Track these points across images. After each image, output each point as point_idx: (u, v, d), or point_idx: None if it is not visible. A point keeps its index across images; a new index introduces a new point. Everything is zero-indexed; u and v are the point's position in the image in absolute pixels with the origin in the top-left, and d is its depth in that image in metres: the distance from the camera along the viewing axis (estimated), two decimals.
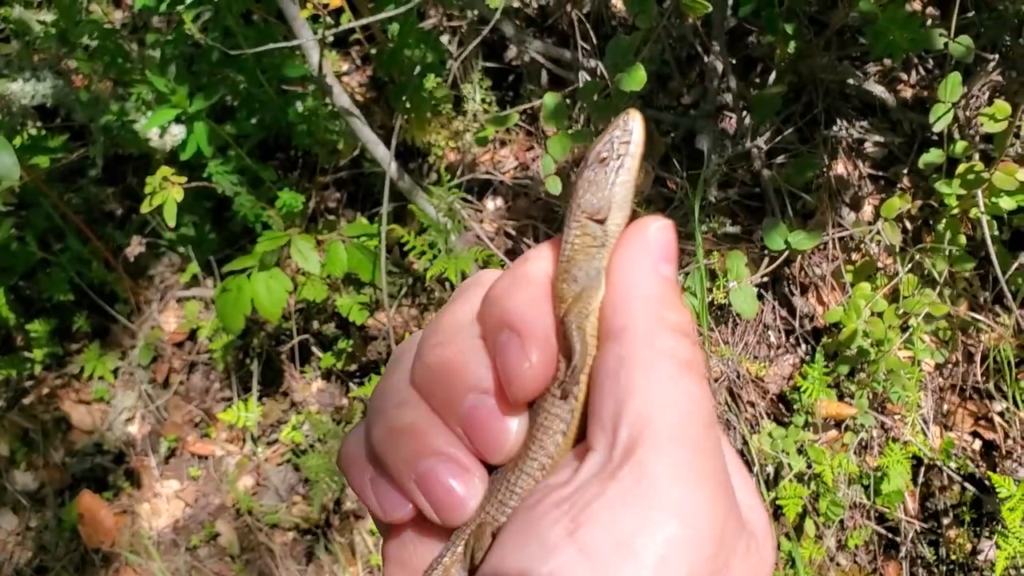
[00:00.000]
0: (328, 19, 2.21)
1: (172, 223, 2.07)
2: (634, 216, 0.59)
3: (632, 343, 0.53)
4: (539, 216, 2.90)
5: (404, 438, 0.57)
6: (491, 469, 0.58)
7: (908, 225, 2.63)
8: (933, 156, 2.35)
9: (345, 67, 3.17)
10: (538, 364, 0.55)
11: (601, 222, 0.58)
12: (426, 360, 0.58)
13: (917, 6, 2.78)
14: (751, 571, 0.50)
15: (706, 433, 0.50)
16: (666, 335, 0.53)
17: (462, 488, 0.56)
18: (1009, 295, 2.39)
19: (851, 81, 2.70)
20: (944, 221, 2.43)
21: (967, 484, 2.51)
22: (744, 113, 2.68)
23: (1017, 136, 2.44)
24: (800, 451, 2.51)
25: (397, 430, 0.58)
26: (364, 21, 2.23)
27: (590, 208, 0.58)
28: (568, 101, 2.44)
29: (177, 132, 2.71)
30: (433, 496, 0.57)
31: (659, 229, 0.57)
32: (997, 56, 2.53)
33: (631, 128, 0.59)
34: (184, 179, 2.12)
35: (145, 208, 2.08)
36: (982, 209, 2.30)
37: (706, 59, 2.74)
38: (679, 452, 0.49)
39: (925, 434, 2.57)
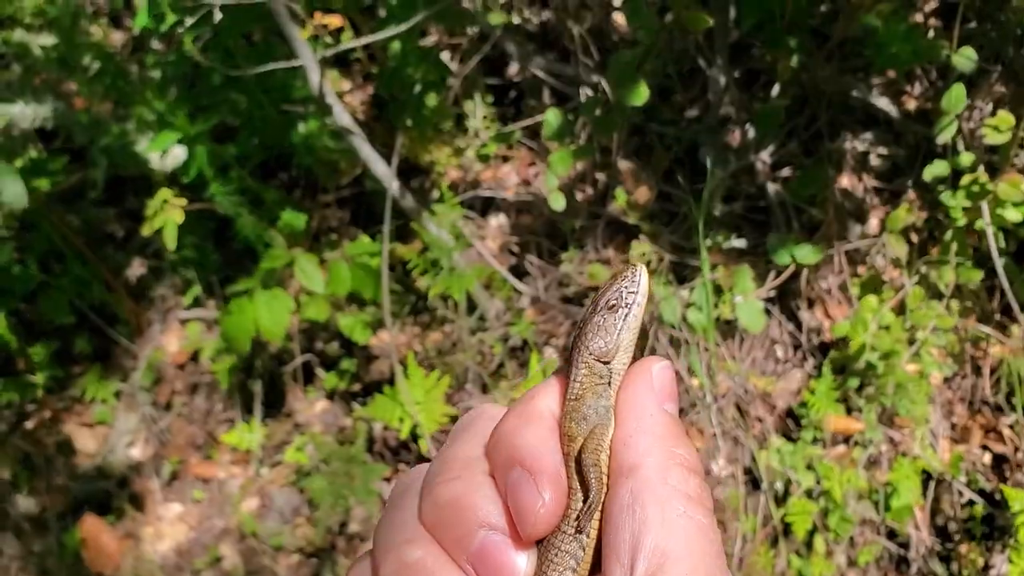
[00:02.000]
0: (328, 39, 2.21)
1: (172, 246, 2.07)
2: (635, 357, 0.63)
3: (645, 480, 0.56)
4: (542, 232, 2.89)
5: (414, 574, 0.58)
6: None
7: (914, 237, 2.62)
8: (938, 168, 2.34)
9: (347, 86, 3.16)
10: (551, 502, 0.57)
11: (607, 363, 0.63)
12: (436, 496, 0.59)
13: (920, 18, 2.77)
14: None
15: (717, 564, 0.53)
16: (677, 472, 0.56)
17: None
18: (1016, 307, 2.37)
19: (855, 93, 2.70)
20: (950, 233, 2.42)
21: (978, 498, 2.49)
22: (748, 126, 2.67)
23: (1022, 147, 2.43)
24: (809, 467, 2.49)
25: (407, 566, 0.58)
26: (365, 40, 2.23)
27: (599, 350, 0.63)
28: (570, 117, 2.43)
29: (178, 153, 2.71)
30: None
31: (661, 370, 0.61)
32: (1000, 67, 2.52)
33: (638, 280, 0.65)
34: (184, 201, 2.11)
35: (146, 231, 2.07)
36: (987, 221, 2.29)
37: (709, 73, 2.73)
38: None
39: (934, 448, 2.55)
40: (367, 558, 0.62)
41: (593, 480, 0.57)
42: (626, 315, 0.63)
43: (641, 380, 0.61)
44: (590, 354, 0.62)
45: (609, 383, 0.62)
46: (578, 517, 0.58)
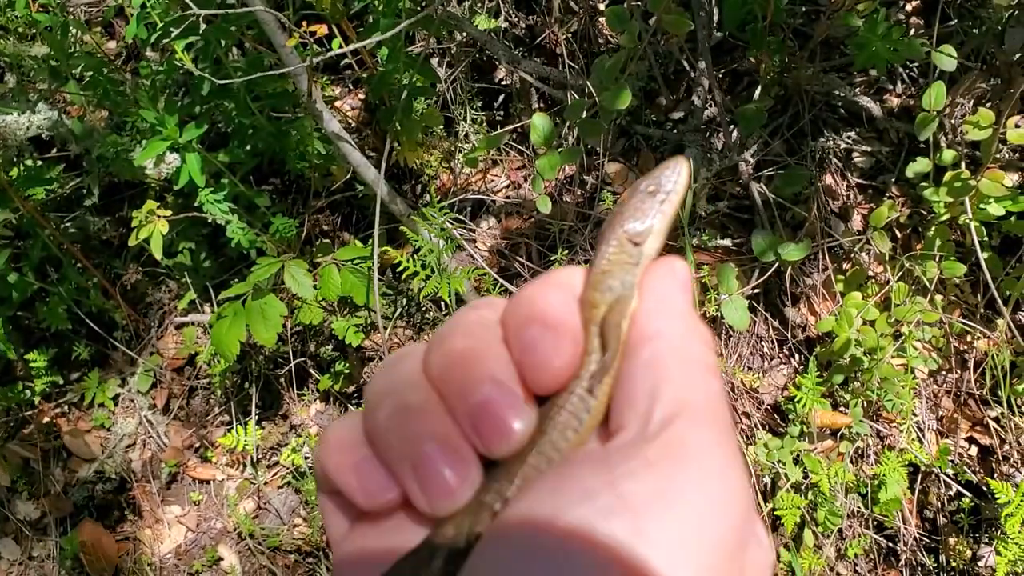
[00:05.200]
0: (316, 47, 2.24)
1: (159, 255, 2.09)
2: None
3: (668, 344, 0.55)
4: (531, 235, 2.92)
5: (411, 417, 0.56)
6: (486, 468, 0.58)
7: (897, 233, 2.65)
8: (920, 165, 2.37)
9: (337, 91, 3.19)
10: (569, 355, 0.56)
11: (638, 245, 0.62)
12: (446, 348, 0.57)
13: (901, 16, 2.80)
14: (764, 560, 0.51)
15: (731, 431, 0.52)
16: (699, 344, 0.55)
17: (458, 479, 0.55)
18: (999, 300, 2.40)
19: (837, 92, 2.73)
20: (933, 228, 2.45)
21: (965, 490, 2.52)
22: (732, 127, 2.70)
23: (1003, 142, 2.46)
24: (796, 461, 2.52)
25: (408, 407, 0.56)
26: (352, 47, 2.26)
27: (633, 231, 0.62)
28: (557, 120, 2.46)
29: (172, 160, 2.74)
30: (428, 482, 0.55)
31: (684, 266, 0.60)
32: (981, 64, 2.55)
33: (679, 171, 0.64)
34: (169, 212, 2.14)
35: (132, 241, 2.09)
36: (970, 216, 2.32)
37: (692, 75, 2.76)
38: (715, 433, 0.50)
39: (921, 441, 2.58)
40: (352, 415, 0.59)
41: (612, 339, 0.57)
42: (663, 201, 0.63)
43: (666, 269, 0.60)
44: (624, 232, 0.62)
45: (637, 264, 0.61)
46: (592, 376, 0.57)
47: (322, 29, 2.66)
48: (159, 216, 2.06)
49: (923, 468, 2.56)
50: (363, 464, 0.57)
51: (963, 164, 2.43)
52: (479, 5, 2.91)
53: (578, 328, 0.57)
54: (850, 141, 2.76)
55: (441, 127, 2.90)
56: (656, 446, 0.49)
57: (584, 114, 2.23)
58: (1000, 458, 2.53)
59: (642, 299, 0.59)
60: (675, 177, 0.64)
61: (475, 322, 0.59)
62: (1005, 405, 2.52)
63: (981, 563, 2.47)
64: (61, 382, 3.14)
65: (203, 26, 1.81)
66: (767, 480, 2.55)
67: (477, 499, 0.55)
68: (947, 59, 2.20)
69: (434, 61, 2.96)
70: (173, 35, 1.88)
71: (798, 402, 2.48)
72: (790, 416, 2.55)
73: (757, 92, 2.64)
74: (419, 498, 0.55)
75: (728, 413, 0.53)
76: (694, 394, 0.51)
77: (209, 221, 2.77)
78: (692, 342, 0.55)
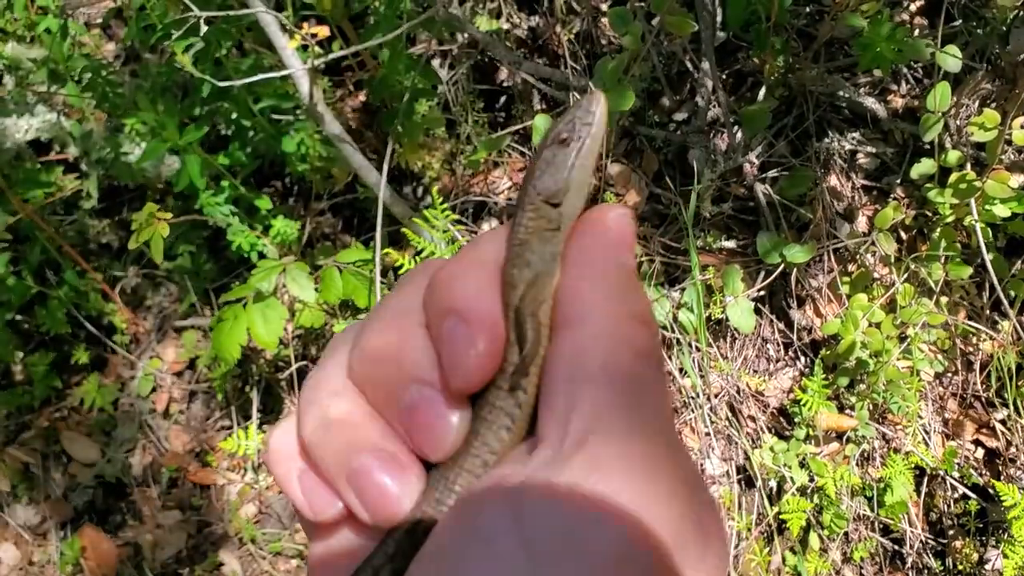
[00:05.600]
0: (317, 48, 2.23)
1: (159, 258, 2.08)
2: (590, 204, 0.56)
3: (589, 331, 0.50)
4: None
5: (337, 430, 0.54)
6: (428, 468, 0.55)
7: (903, 235, 2.64)
8: (925, 166, 2.35)
9: (338, 93, 3.18)
10: (485, 352, 0.51)
11: (557, 205, 0.55)
12: (364, 347, 0.54)
13: (905, 17, 2.79)
14: (717, 552, 0.47)
15: (663, 426, 0.48)
16: (624, 323, 0.50)
17: (397, 486, 0.53)
18: (1006, 302, 2.39)
19: (841, 93, 2.71)
20: (939, 230, 2.43)
21: (971, 493, 2.50)
22: (735, 128, 2.69)
23: (1008, 143, 2.44)
24: (802, 464, 2.50)
25: (330, 421, 0.54)
26: (353, 49, 2.24)
27: (546, 191, 0.55)
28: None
29: (172, 162, 2.72)
30: (366, 494, 0.53)
31: (618, 217, 0.54)
32: (986, 65, 2.54)
33: (594, 110, 0.56)
34: (169, 215, 2.12)
35: (132, 244, 2.08)
36: (976, 217, 2.30)
37: (696, 75, 2.75)
38: (634, 445, 0.46)
39: (927, 444, 2.56)
40: (291, 418, 0.57)
41: (530, 331, 0.51)
42: (579, 149, 0.55)
43: (594, 227, 0.54)
44: (538, 194, 0.55)
45: (558, 228, 0.54)
46: (513, 373, 0.52)
47: (323, 31, 2.65)
48: (159, 219, 2.04)
49: (929, 471, 2.54)
50: (304, 477, 0.55)
51: (968, 165, 2.42)
52: (481, 6, 2.90)
53: (495, 318, 0.53)
54: (854, 142, 2.75)
55: (443, 129, 2.88)
56: (569, 474, 0.45)
57: None
58: (1007, 461, 2.52)
59: (565, 271, 0.54)
60: (589, 118, 0.56)
61: (394, 311, 0.56)
62: (1011, 407, 2.51)
63: (988, 566, 2.45)
64: (60, 386, 3.12)
65: (204, 28, 1.79)
66: (773, 484, 2.53)
67: (419, 507, 0.53)
68: (951, 60, 2.19)
69: (435, 63, 2.94)
70: (174, 37, 1.86)
71: (804, 405, 2.47)
72: (796, 419, 2.54)
73: (761, 93, 2.63)
74: (360, 512, 0.53)
75: (662, 405, 0.49)
76: (615, 396, 0.47)
77: (210, 224, 2.75)
78: (618, 324, 0.50)
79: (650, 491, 0.45)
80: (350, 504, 0.54)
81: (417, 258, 2.56)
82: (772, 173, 2.71)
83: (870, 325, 2.40)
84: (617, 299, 0.51)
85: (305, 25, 2.65)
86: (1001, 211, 2.29)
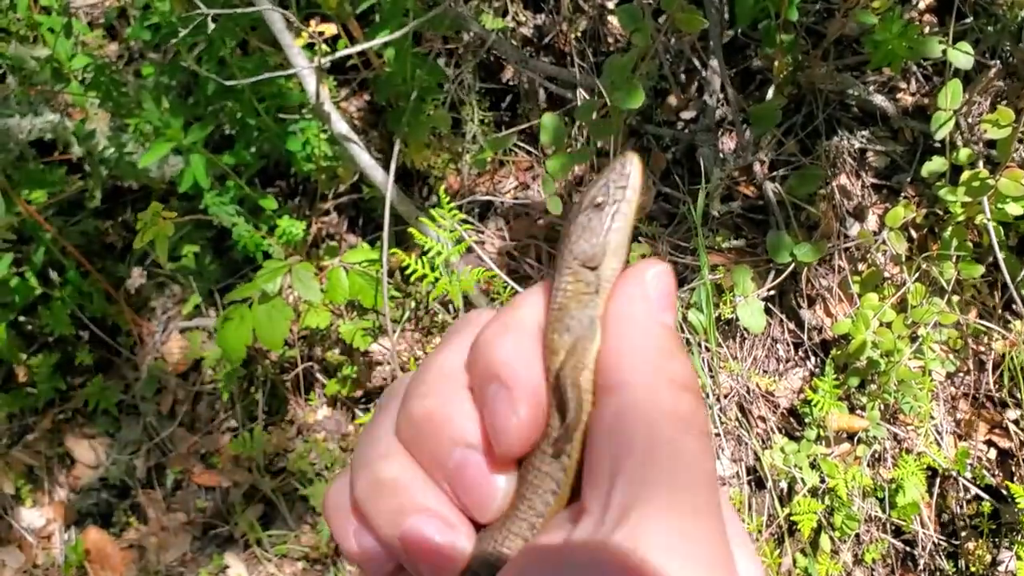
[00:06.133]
0: (324, 47, 2.20)
1: (164, 258, 2.06)
2: (628, 262, 0.56)
3: (631, 399, 0.50)
4: (540, 236, 2.88)
5: (388, 492, 0.55)
6: (478, 527, 0.56)
7: (913, 234, 2.62)
8: (936, 164, 2.33)
9: (343, 92, 3.16)
10: (526, 419, 0.52)
11: (595, 269, 0.55)
12: (410, 411, 0.56)
13: (914, 15, 2.77)
14: None
15: (706, 498, 0.47)
16: (666, 390, 0.50)
17: (448, 546, 0.54)
18: (1019, 301, 2.37)
19: (851, 91, 2.69)
20: (950, 229, 2.41)
21: (984, 494, 2.48)
22: (744, 126, 2.67)
23: (1022, 141, 2.42)
24: (813, 465, 2.48)
25: (381, 484, 0.56)
26: (359, 47, 2.22)
27: (583, 255, 0.55)
28: (567, 120, 2.43)
29: (176, 163, 2.71)
30: (419, 555, 0.54)
31: (657, 275, 0.54)
32: (998, 62, 2.51)
33: (628, 172, 0.56)
34: (174, 214, 2.10)
35: (137, 244, 2.06)
36: (988, 216, 2.28)
37: (704, 74, 2.73)
38: (677, 520, 0.46)
39: (939, 444, 2.54)
40: (346, 474, 0.59)
41: (571, 400, 0.52)
42: (614, 213, 0.55)
43: (633, 288, 0.54)
44: (574, 259, 0.55)
45: (597, 291, 0.55)
46: (556, 440, 0.53)
47: (330, 29, 2.63)
48: (164, 218, 2.02)
49: (941, 472, 2.52)
50: (359, 535, 0.57)
51: (980, 163, 2.40)
52: (486, 5, 2.88)
53: (536, 385, 0.54)
54: (864, 140, 2.73)
55: (449, 128, 2.86)
56: (611, 551, 0.46)
57: (594, 115, 2.20)
58: (1020, 461, 2.49)
59: (605, 335, 0.54)
60: (623, 181, 0.56)
61: (439, 372, 0.57)
62: None
63: (1001, 568, 2.43)
64: (65, 388, 3.10)
65: (211, 26, 1.77)
66: (783, 485, 2.51)
67: (469, 568, 0.54)
68: (963, 56, 2.17)
69: (440, 61, 2.92)
70: (181, 35, 1.84)
71: (814, 405, 2.45)
72: (806, 420, 2.52)
73: (770, 91, 2.61)
74: (414, 571, 0.55)
75: (705, 474, 0.48)
76: (657, 470, 0.47)
77: (214, 224, 2.73)
78: (660, 391, 0.50)
79: (688, 568, 0.45)
80: (405, 564, 0.55)
81: (423, 258, 2.55)
82: (781, 172, 2.69)
83: (881, 325, 2.38)
84: (657, 364, 0.51)
85: (312, 23, 2.63)
86: (1014, 209, 2.27)
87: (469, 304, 2.72)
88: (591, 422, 0.52)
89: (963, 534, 2.50)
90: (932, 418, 2.53)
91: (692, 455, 0.48)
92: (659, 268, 0.54)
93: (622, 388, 0.51)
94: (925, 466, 2.44)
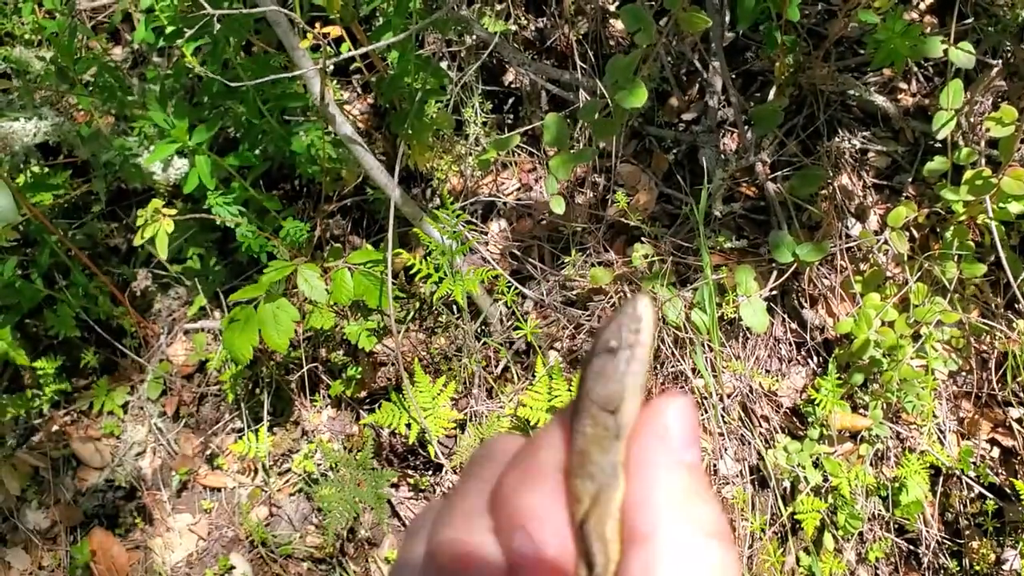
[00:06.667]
0: (329, 48, 2.22)
1: (163, 255, 2.07)
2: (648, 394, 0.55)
3: (659, 551, 0.49)
4: (543, 236, 2.89)
5: None
6: None
7: (915, 233, 2.62)
8: (937, 164, 2.34)
9: (346, 95, 3.17)
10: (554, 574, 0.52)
11: (613, 412, 0.54)
12: (438, 559, 0.55)
13: (915, 15, 2.78)
14: None
15: None
16: (696, 540, 0.49)
17: None
18: (1022, 299, 2.38)
19: (852, 92, 2.70)
20: (952, 228, 2.42)
21: (987, 493, 2.48)
22: (746, 127, 2.68)
23: (1023, 141, 2.43)
24: (816, 464, 2.49)
25: None
26: (363, 50, 2.23)
27: (600, 400, 0.54)
28: (569, 121, 2.44)
29: (180, 165, 2.72)
30: None
31: (677, 414, 0.53)
32: (999, 62, 2.52)
33: (640, 314, 0.55)
34: (175, 211, 2.11)
35: (137, 241, 2.07)
36: (991, 215, 2.29)
37: (705, 75, 2.74)
38: None
39: (942, 443, 2.55)
40: None
41: (597, 554, 0.51)
42: (629, 359, 0.54)
43: (652, 431, 0.53)
44: (592, 403, 0.54)
45: (617, 436, 0.54)
46: None
47: (335, 31, 2.64)
48: (164, 215, 2.03)
49: (945, 470, 2.53)
50: None
51: (981, 162, 2.40)
52: (489, 8, 2.89)
53: (561, 535, 0.52)
54: (865, 140, 2.74)
55: (451, 130, 2.87)
56: None
57: (597, 115, 2.21)
58: (1023, 460, 2.50)
59: (629, 483, 0.53)
60: (636, 324, 0.55)
61: (463, 513, 0.56)
62: None
63: (1006, 567, 2.44)
64: (70, 390, 3.11)
65: (217, 26, 1.79)
66: (787, 484, 2.52)
67: None
68: (964, 56, 2.17)
69: (443, 64, 2.94)
70: (187, 35, 1.85)
71: (817, 404, 2.45)
72: (809, 419, 2.52)
73: (771, 92, 2.62)
74: None
75: None
76: None
77: (219, 224, 2.75)
78: (687, 541, 0.49)
79: None
80: None
81: (428, 259, 2.56)
82: (783, 172, 2.70)
83: (883, 324, 2.38)
84: (684, 512, 0.50)
85: (317, 25, 2.65)
86: (1016, 208, 2.28)
87: (472, 304, 2.73)
88: (619, 573, 0.51)
89: (967, 533, 2.51)
90: (935, 417, 2.54)
91: None
92: (678, 404, 0.53)
93: (648, 541, 0.50)
94: (928, 465, 2.45)
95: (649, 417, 0.54)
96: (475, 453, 0.61)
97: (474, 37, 2.81)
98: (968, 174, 2.25)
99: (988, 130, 2.17)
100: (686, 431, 0.52)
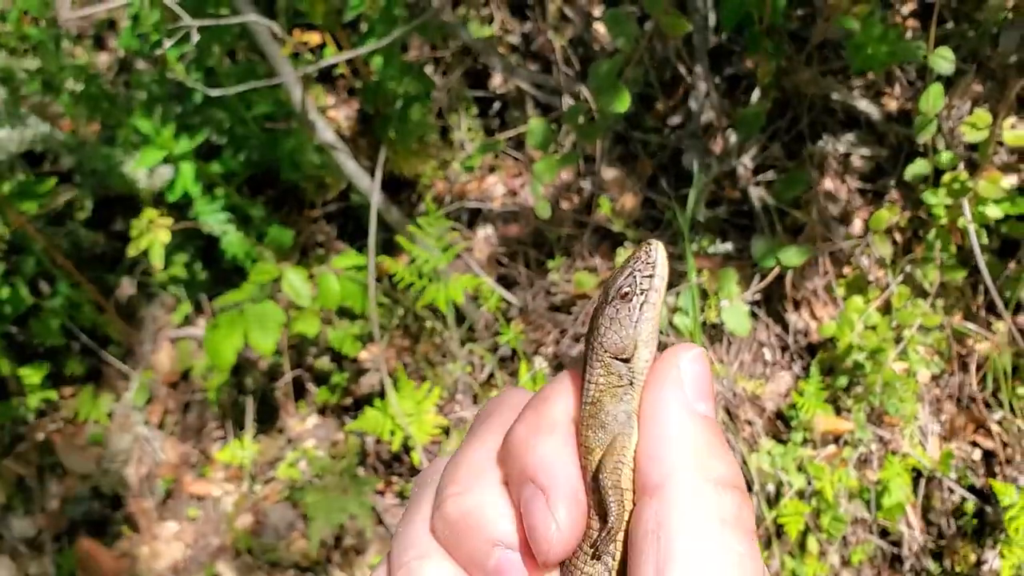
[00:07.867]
0: (310, 55, 2.22)
1: (160, 266, 2.07)
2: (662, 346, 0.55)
3: (673, 501, 0.49)
4: (529, 241, 2.90)
5: None
6: None
7: (898, 237, 2.64)
8: (919, 167, 2.35)
9: (331, 101, 3.18)
10: (566, 525, 0.51)
11: (627, 361, 0.54)
12: (446, 511, 0.55)
13: (897, 19, 2.80)
14: None
15: None
16: (710, 491, 0.49)
17: None
18: (1000, 303, 2.39)
19: (835, 96, 2.72)
20: (933, 231, 2.43)
21: (968, 494, 2.50)
22: (730, 131, 2.69)
23: (1000, 144, 2.45)
24: (800, 468, 2.50)
25: None
26: (346, 55, 2.24)
27: (614, 347, 0.54)
28: (554, 126, 2.45)
29: (165, 173, 2.72)
30: None
31: (691, 361, 0.53)
32: (976, 67, 2.54)
33: (654, 260, 0.55)
34: (170, 221, 2.12)
35: (132, 251, 2.07)
36: (969, 218, 2.30)
37: (689, 79, 2.75)
38: None
39: (924, 446, 2.56)
40: (382, 568, 0.58)
41: (612, 503, 0.50)
42: (642, 303, 0.54)
43: (667, 378, 0.52)
44: (605, 351, 0.54)
45: (631, 383, 0.53)
46: (599, 540, 0.51)
47: (315, 38, 2.64)
48: (159, 225, 2.04)
49: (926, 473, 2.54)
50: None
51: (962, 166, 2.42)
52: (474, 11, 2.90)
53: (573, 485, 0.52)
54: (849, 144, 2.75)
55: (436, 136, 2.88)
56: None
57: (581, 119, 2.22)
58: (1003, 461, 2.51)
59: (642, 432, 0.52)
60: (649, 270, 0.55)
61: (472, 467, 0.56)
62: (1007, 408, 2.51)
63: (986, 567, 2.45)
64: (55, 398, 3.10)
65: (196, 37, 1.79)
66: (771, 488, 2.52)
67: None
68: (944, 61, 2.19)
69: (428, 69, 2.94)
70: (167, 45, 1.86)
71: (801, 408, 2.46)
72: (792, 423, 2.53)
73: (755, 96, 2.63)
74: None
75: (751, 565, 0.48)
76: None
77: (203, 233, 2.75)
78: (702, 492, 0.49)
79: None
80: None
81: (412, 265, 2.56)
82: (766, 176, 2.72)
83: (866, 327, 2.39)
84: (697, 462, 0.50)
85: (297, 32, 2.65)
86: (993, 212, 2.29)
87: (458, 311, 2.74)
88: (633, 523, 0.51)
89: (949, 534, 2.52)
90: (917, 420, 2.55)
91: (739, 557, 0.48)
92: (692, 354, 0.53)
93: (663, 489, 0.50)
94: (910, 467, 2.46)
95: (662, 366, 0.53)
96: (483, 408, 0.60)
97: (459, 43, 2.82)
98: (946, 177, 2.27)
99: (964, 134, 2.18)
100: (700, 380, 0.52)
